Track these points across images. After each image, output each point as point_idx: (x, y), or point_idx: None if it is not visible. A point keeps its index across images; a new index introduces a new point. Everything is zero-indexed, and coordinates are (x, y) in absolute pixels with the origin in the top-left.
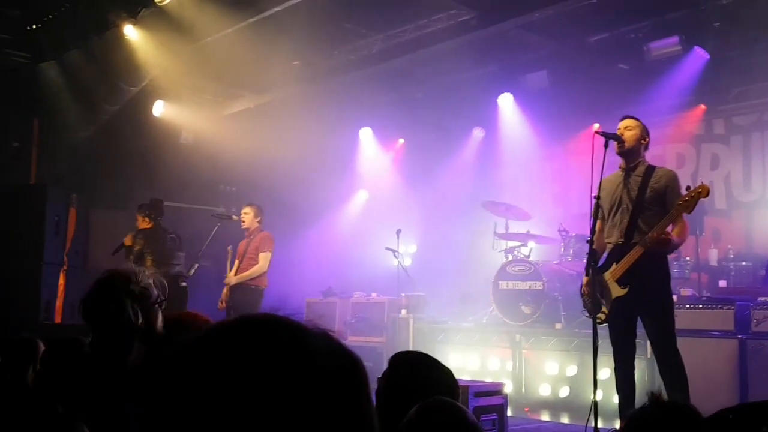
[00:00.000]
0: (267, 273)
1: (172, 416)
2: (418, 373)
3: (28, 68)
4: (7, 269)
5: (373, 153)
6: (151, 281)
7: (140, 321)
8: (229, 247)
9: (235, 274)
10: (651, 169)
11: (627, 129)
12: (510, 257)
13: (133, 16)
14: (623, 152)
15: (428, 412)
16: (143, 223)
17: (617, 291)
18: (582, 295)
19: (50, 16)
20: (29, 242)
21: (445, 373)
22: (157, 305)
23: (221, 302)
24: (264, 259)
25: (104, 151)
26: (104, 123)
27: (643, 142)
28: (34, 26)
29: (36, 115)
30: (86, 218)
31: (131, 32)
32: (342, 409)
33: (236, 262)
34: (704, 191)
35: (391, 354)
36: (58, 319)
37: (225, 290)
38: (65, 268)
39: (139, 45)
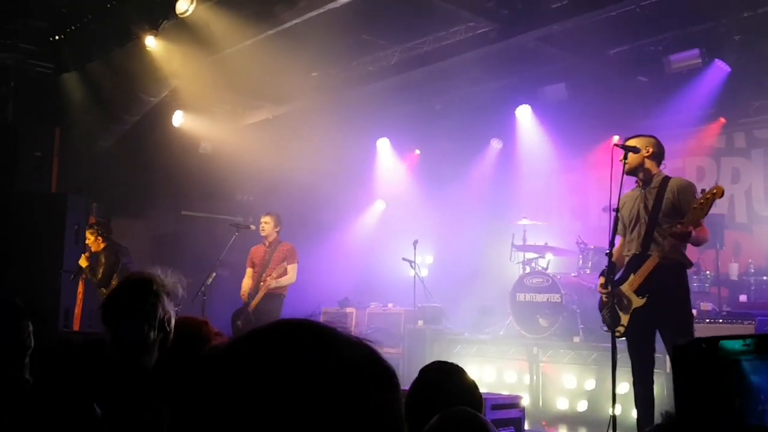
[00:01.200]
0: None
1: (204, 419)
2: (446, 383)
3: (51, 78)
4: (27, 277)
5: (390, 164)
6: (172, 283)
7: (161, 321)
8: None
9: (253, 280)
10: (666, 180)
11: (642, 144)
12: (528, 269)
13: (155, 28)
14: (628, 173)
15: (449, 421)
16: (96, 244)
17: (636, 302)
18: (601, 309)
19: (73, 28)
20: (49, 250)
21: (471, 385)
22: (175, 308)
23: (244, 295)
24: (293, 270)
25: (124, 161)
26: (124, 133)
27: (653, 159)
28: (57, 37)
29: (58, 124)
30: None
31: (152, 44)
32: (373, 415)
33: (249, 270)
34: (719, 192)
35: (407, 365)
36: (76, 327)
37: (246, 283)
38: (84, 276)
39: (159, 56)
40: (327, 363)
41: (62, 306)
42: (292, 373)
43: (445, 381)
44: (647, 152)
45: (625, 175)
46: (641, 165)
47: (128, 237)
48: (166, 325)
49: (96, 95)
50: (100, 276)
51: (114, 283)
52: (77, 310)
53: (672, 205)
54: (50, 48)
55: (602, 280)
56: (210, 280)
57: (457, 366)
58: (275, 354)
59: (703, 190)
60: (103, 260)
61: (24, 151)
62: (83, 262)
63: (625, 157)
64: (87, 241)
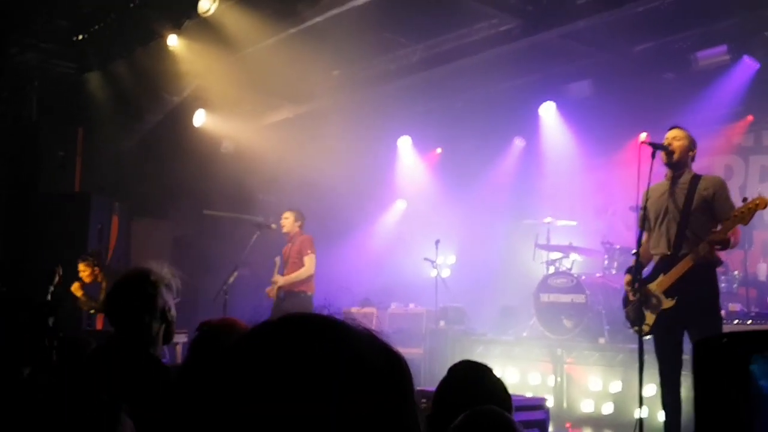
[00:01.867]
0: (313, 277)
1: (217, 415)
2: (474, 382)
3: (74, 78)
4: (51, 275)
5: (411, 162)
6: (168, 275)
7: (161, 312)
8: (276, 258)
9: None
10: (697, 177)
11: (675, 139)
12: (551, 269)
13: (177, 27)
14: (671, 163)
15: (476, 419)
16: (92, 276)
17: (665, 303)
18: (625, 305)
19: (96, 27)
20: (73, 249)
21: (499, 384)
22: (174, 299)
23: (270, 291)
24: (309, 261)
25: (146, 160)
26: (147, 132)
27: (690, 153)
28: (80, 37)
29: (81, 124)
30: (128, 226)
31: (175, 43)
32: (388, 405)
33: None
34: (762, 203)
35: (428, 366)
36: (99, 326)
37: (273, 288)
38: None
39: (182, 55)
40: (333, 357)
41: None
42: (297, 368)
43: (474, 380)
44: (692, 152)
45: (667, 167)
46: (684, 162)
47: (150, 236)
48: (167, 314)
49: (119, 95)
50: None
51: None
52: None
53: (705, 201)
54: (73, 47)
55: (628, 277)
56: (232, 279)
57: (485, 366)
58: (277, 352)
59: (745, 199)
60: (104, 286)
61: (47, 150)
62: (77, 291)
63: (654, 155)
64: (81, 274)
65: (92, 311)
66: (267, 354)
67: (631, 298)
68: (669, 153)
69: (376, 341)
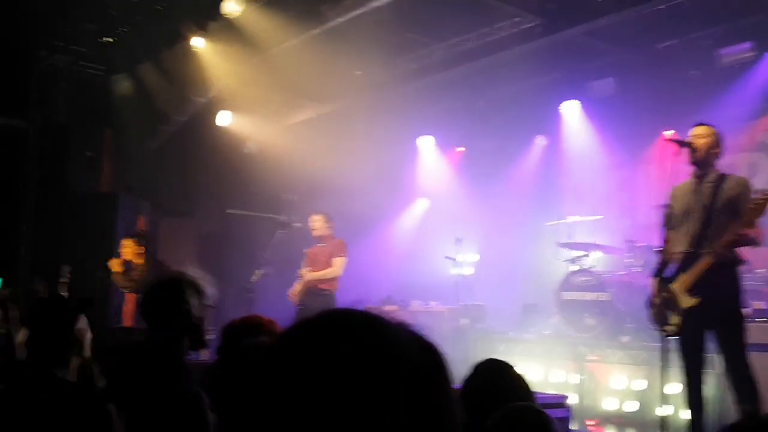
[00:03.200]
0: (338, 279)
1: (261, 412)
2: (499, 379)
3: (102, 80)
4: (79, 275)
5: (433, 161)
6: (200, 281)
7: (198, 317)
8: (307, 250)
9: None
10: (723, 176)
11: (699, 137)
12: (574, 267)
13: (202, 28)
14: (694, 161)
15: (515, 415)
16: (138, 255)
17: (687, 301)
18: (649, 306)
19: (123, 30)
20: (101, 249)
21: (522, 382)
22: (208, 305)
23: (292, 294)
24: (340, 263)
25: (172, 161)
26: (172, 133)
27: (715, 151)
28: (107, 39)
29: (108, 125)
30: (155, 225)
31: (200, 44)
32: (429, 397)
33: (305, 269)
34: None
35: (450, 364)
36: (127, 323)
37: (298, 286)
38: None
39: (206, 56)
40: (373, 350)
41: (113, 303)
42: (338, 363)
43: (498, 377)
44: (713, 143)
45: (692, 165)
46: (709, 160)
47: (176, 235)
48: (197, 319)
49: (145, 96)
50: (136, 280)
51: None
52: (129, 307)
53: (729, 201)
54: (100, 50)
55: (655, 282)
56: (256, 277)
57: (508, 363)
58: (318, 348)
59: (758, 191)
60: (141, 269)
61: (76, 151)
62: (116, 266)
63: (679, 152)
64: (123, 249)
65: (125, 289)
66: (311, 352)
67: (655, 298)
68: (692, 150)
69: (413, 334)
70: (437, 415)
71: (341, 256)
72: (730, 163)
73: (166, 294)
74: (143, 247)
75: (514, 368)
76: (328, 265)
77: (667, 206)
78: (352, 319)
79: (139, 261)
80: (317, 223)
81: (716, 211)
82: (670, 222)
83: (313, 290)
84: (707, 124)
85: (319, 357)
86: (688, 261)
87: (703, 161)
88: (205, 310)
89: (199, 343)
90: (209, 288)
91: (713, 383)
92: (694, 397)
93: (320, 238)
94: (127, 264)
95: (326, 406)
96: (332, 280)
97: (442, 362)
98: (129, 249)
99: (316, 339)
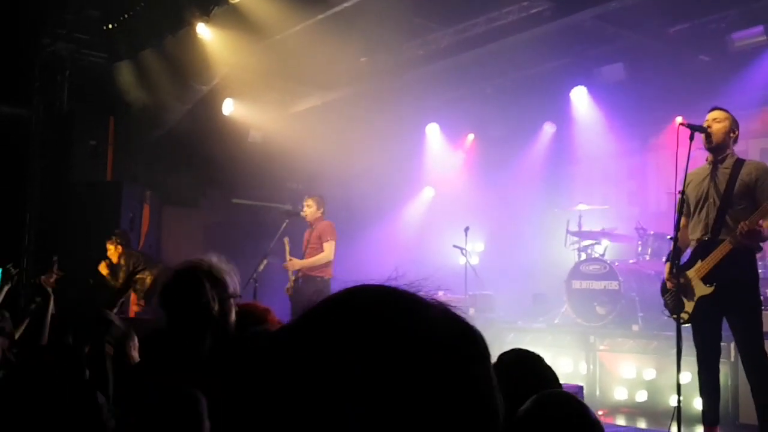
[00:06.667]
0: (332, 263)
1: (288, 397)
2: (529, 368)
3: (105, 68)
4: (83, 265)
5: (440, 149)
6: (223, 270)
7: (216, 309)
8: (286, 239)
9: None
10: (740, 162)
11: (715, 121)
12: (583, 255)
13: (206, 15)
14: (710, 147)
15: (549, 401)
16: (119, 256)
17: (702, 290)
18: (663, 293)
19: (126, 16)
20: (105, 238)
21: (550, 370)
22: (232, 297)
23: (288, 289)
24: (329, 247)
25: (176, 149)
26: (176, 121)
27: (732, 135)
28: (110, 26)
29: (112, 113)
30: (159, 214)
31: (204, 31)
32: (470, 376)
33: (288, 258)
34: None
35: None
36: (132, 314)
37: (291, 280)
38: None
39: (210, 43)
40: (409, 329)
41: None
42: (374, 341)
43: (531, 367)
44: (734, 134)
45: (708, 150)
46: (726, 144)
47: (180, 225)
48: (217, 311)
49: (149, 84)
50: (122, 281)
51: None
52: (132, 296)
53: (747, 187)
54: (104, 37)
55: (668, 266)
56: (262, 267)
57: (537, 354)
58: (353, 324)
59: None
60: (124, 268)
61: (79, 140)
62: (104, 270)
63: (692, 137)
64: (108, 253)
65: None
66: (343, 329)
67: (669, 285)
68: (708, 135)
69: (451, 313)
70: (478, 411)
71: (330, 240)
72: (742, 149)
73: (182, 287)
74: (121, 247)
75: (543, 359)
76: (319, 249)
77: (681, 192)
78: (386, 294)
79: (121, 261)
80: (309, 209)
81: (733, 197)
82: (684, 209)
83: (305, 278)
84: (723, 109)
85: (344, 343)
86: (704, 248)
87: (719, 146)
88: (228, 301)
89: (224, 338)
90: (232, 277)
91: (726, 372)
92: (708, 386)
93: (310, 222)
94: (111, 266)
95: (353, 397)
96: (325, 266)
97: (482, 342)
98: (110, 251)
99: (343, 323)
